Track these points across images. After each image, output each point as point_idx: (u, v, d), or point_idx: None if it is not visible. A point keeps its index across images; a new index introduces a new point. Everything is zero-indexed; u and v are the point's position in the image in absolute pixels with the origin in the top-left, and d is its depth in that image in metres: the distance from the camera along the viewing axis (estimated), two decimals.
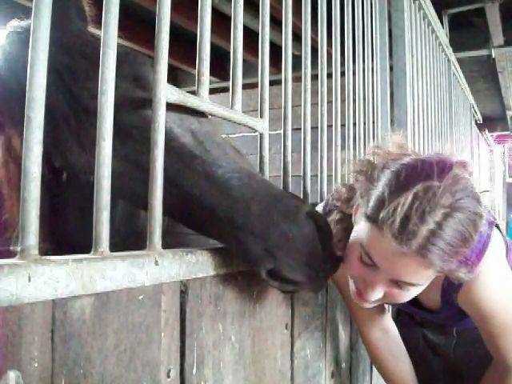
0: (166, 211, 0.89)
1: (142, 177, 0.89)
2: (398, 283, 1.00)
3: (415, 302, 1.28)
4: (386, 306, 1.45)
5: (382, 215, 0.92)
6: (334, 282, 1.40)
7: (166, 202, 0.86)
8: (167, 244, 0.87)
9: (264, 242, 0.91)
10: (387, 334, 1.39)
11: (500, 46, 4.20)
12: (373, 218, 0.95)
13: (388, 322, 1.40)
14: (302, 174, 1.44)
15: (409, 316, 1.45)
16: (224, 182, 0.94)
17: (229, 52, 1.16)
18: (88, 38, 1.11)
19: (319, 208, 1.34)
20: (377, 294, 1.02)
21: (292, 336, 1.27)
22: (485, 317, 1.16)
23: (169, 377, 0.84)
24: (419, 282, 1.00)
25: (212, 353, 0.95)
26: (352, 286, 1.10)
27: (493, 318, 1.15)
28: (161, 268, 0.80)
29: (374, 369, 1.92)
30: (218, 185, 0.95)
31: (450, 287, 1.16)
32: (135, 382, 0.77)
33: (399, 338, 1.41)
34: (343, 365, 1.63)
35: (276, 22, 1.81)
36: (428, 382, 1.48)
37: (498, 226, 1.18)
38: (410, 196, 0.90)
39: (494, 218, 1.18)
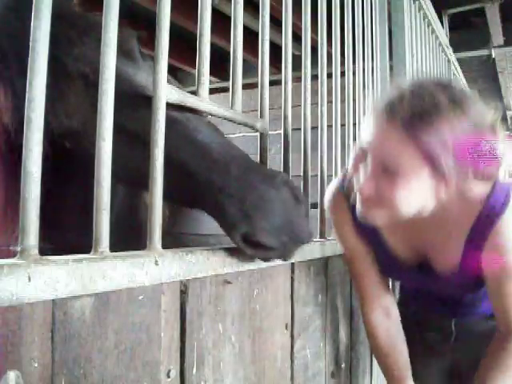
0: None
1: (137, 147, 0.90)
2: (386, 173, 1.03)
3: (429, 269, 1.27)
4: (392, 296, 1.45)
5: (378, 103, 1.07)
6: (345, 259, 1.42)
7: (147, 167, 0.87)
8: (167, 244, 0.87)
9: (241, 203, 0.92)
10: (389, 316, 1.39)
11: (500, 46, 4.19)
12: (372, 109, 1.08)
13: (391, 305, 1.40)
14: (301, 174, 1.44)
15: (404, 316, 1.44)
16: (204, 145, 0.97)
17: (229, 52, 1.16)
18: (73, 9, 1.15)
19: (333, 185, 1.37)
20: (370, 183, 1.06)
21: (292, 336, 1.27)
22: (505, 268, 1.14)
23: (169, 377, 0.84)
24: (403, 166, 1.01)
25: (212, 353, 0.95)
26: (358, 204, 1.13)
27: None
28: (161, 268, 0.80)
29: (374, 369, 1.92)
30: (198, 147, 0.97)
31: (477, 234, 1.15)
32: (135, 381, 0.77)
33: (400, 324, 1.41)
34: (343, 365, 1.63)
35: (276, 22, 1.81)
36: (425, 380, 1.49)
37: None
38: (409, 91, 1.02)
39: None
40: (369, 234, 1.31)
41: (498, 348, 1.22)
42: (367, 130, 1.08)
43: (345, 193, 1.29)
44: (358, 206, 1.13)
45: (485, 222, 1.14)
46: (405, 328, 1.41)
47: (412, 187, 1.03)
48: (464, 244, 1.19)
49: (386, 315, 1.38)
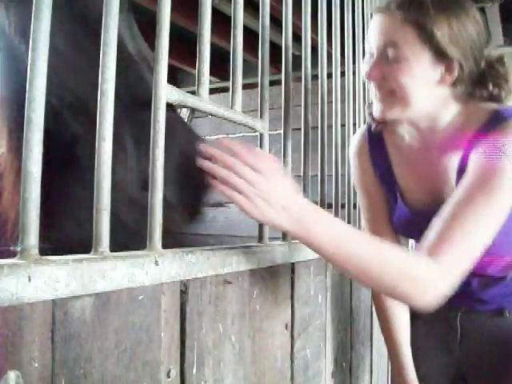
0: None
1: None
2: (389, 62, 1.09)
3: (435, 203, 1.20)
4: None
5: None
6: (361, 205, 1.45)
7: None
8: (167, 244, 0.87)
9: None
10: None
11: (500, 46, 4.20)
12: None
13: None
14: (301, 173, 1.44)
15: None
16: None
17: (229, 52, 1.16)
18: None
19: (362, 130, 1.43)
20: (376, 71, 1.12)
21: (292, 336, 1.27)
22: (476, 176, 1.01)
23: (169, 377, 0.84)
24: (402, 50, 1.06)
25: (212, 353, 0.95)
26: (374, 104, 1.18)
27: (481, 181, 0.98)
28: (161, 268, 0.80)
29: (374, 369, 1.92)
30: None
31: (480, 138, 1.10)
32: (135, 381, 0.77)
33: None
34: (343, 365, 1.63)
35: (276, 22, 1.81)
36: (428, 381, 1.44)
37: None
38: None
39: None
40: (384, 176, 1.35)
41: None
42: (369, 31, 1.15)
43: (368, 136, 1.37)
44: (373, 103, 1.19)
45: (490, 126, 1.09)
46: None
47: (415, 72, 1.07)
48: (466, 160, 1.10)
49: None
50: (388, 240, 1.33)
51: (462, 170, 1.12)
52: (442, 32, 1.04)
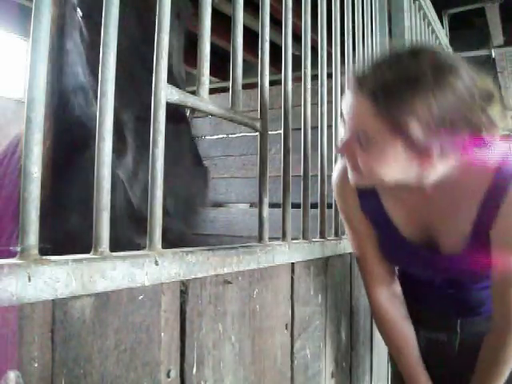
0: None
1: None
2: (360, 142, 1.03)
3: (434, 250, 1.24)
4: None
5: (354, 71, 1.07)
6: (350, 240, 1.41)
7: None
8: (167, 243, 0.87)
9: None
10: (394, 297, 1.37)
11: (500, 46, 4.20)
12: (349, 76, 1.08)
13: (396, 287, 1.39)
14: (302, 173, 1.44)
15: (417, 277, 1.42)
16: None
17: (229, 52, 1.16)
18: None
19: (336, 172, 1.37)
20: (348, 150, 1.07)
21: (292, 336, 1.27)
22: None
23: (169, 377, 0.84)
24: (375, 136, 1.00)
25: (212, 353, 0.95)
26: (348, 171, 1.14)
27: None
28: (161, 268, 0.80)
29: (374, 369, 1.92)
30: None
31: (490, 203, 1.09)
32: (135, 382, 0.77)
33: (404, 303, 1.40)
34: (343, 365, 1.63)
35: (276, 22, 1.81)
36: None
37: None
38: (382, 60, 1.03)
39: None
40: (373, 211, 1.29)
41: (495, 340, 1.19)
42: (344, 99, 1.09)
43: None
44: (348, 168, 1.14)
45: (497, 190, 1.08)
46: None
47: (386, 161, 1.02)
48: (475, 216, 1.12)
49: (391, 295, 1.37)
50: (378, 266, 1.35)
51: (480, 224, 1.13)
52: (418, 122, 0.94)
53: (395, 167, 1.03)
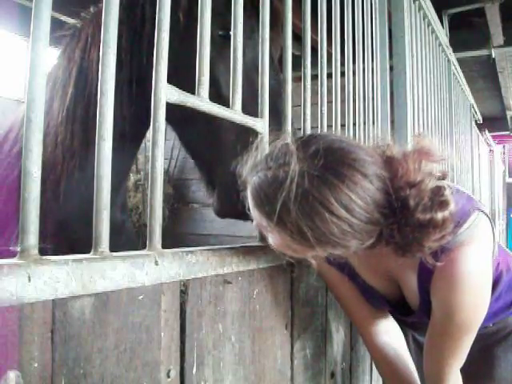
0: None
1: None
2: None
3: (402, 304, 1.25)
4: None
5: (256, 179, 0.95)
6: (329, 288, 1.39)
7: None
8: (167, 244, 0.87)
9: None
10: (389, 333, 1.35)
11: (500, 46, 4.19)
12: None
13: (388, 321, 1.37)
14: None
15: (397, 318, 1.41)
16: None
17: None
18: None
19: None
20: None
21: (292, 336, 1.27)
22: (447, 312, 1.06)
23: (169, 377, 0.84)
24: (294, 250, 0.95)
25: (212, 353, 0.95)
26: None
27: (454, 313, 1.05)
28: (161, 268, 0.80)
29: (374, 369, 1.92)
30: None
31: (424, 273, 1.09)
32: (135, 381, 0.77)
33: (401, 332, 1.37)
34: (343, 365, 1.63)
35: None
36: None
37: (488, 216, 1.09)
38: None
39: (480, 205, 1.09)
40: (349, 275, 1.27)
41: None
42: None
43: None
44: None
45: (425, 270, 1.07)
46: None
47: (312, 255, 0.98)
48: (417, 287, 1.13)
49: (386, 334, 1.34)
50: (362, 309, 1.32)
51: (422, 281, 1.12)
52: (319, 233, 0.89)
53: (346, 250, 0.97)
